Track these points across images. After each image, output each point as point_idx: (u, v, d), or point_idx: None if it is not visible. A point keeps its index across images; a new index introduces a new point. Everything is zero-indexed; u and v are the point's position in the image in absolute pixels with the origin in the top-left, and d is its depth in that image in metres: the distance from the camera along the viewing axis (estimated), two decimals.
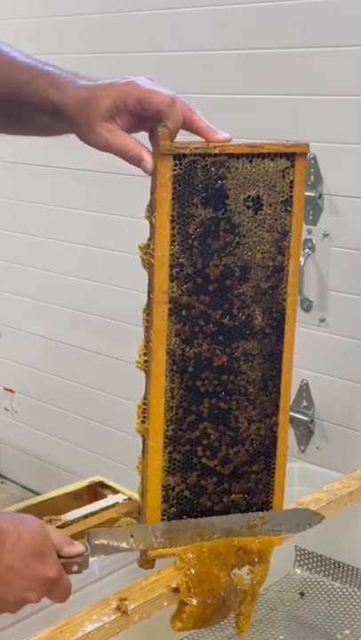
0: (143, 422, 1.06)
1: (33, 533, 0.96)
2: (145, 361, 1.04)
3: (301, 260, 2.08)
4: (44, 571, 0.96)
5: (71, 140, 1.07)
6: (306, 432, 2.17)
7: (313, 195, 2.04)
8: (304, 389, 2.16)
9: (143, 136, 1.03)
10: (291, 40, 2.06)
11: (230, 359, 1.06)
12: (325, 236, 2.06)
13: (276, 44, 2.10)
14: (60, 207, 2.72)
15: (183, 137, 1.02)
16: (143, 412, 1.06)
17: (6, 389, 3.07)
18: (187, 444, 1.07)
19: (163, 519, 1.08)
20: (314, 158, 2.02)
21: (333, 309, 2.09)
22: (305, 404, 2.17)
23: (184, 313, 1.03)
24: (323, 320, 2.10)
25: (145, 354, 1.04)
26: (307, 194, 2.03)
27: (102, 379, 2.70)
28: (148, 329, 1.04)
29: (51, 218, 2.76)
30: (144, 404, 1.06)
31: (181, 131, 1.02)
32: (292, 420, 2.15)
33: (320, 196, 2.05)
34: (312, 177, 2.03)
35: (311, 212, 2.06)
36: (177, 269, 1.02)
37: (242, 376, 1.07)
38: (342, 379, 2.10)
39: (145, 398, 1.06)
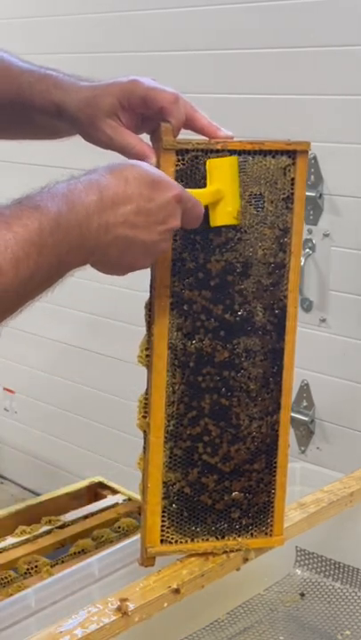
0: (144, 417, 1.06)
1: (138, 169, 0.91)
2: (147, 355, 1.05)
3: (302, 259, 2.07)
4: (169, 192, 0.92)
5: (74, 140, 1.08)
6: (306, 432, 2.17)
7: (313, 194, 2.03)
8: (304, 389, 2.15)
9: (145, 137, 1.03)
10: (291, 40, 2.06)
11: (232, 355, 1.06)
12: (325, 236, 2.06)
13: (276, 44, 2.10)
14: None
15: (186, 136, 1.02)
16: (144, 407, 1.06)
17: (6, 389, 3.07)
18: (188, 440, 1.06)
19: (163, 516, 1.08)
20: (314, 158, 2.01)
21: (333, 309, 2.08)
22: (305, 404, 2.16)
23: (186, 307, 1.03)
24: (323, 320, 2.10)
25: (147, 349, 1.05)
26: (307, 194, 2.02)
27: (103, 379, 2.69)
28: (150, 323, 1.04)
29: None
30: (145, 399, 1.06)
31: (183, 130, 1.02)
32: (293, 421, 2.14)
33: (320, 195, 2.04)
34: (312, 177, 2.03)
35: (311, 212, 2.06)
36: (179, 264, 1.02)
37: (243, 372, 1.07)
38: (342, 379, 2.09)
39: (146, 393, 1.06)
